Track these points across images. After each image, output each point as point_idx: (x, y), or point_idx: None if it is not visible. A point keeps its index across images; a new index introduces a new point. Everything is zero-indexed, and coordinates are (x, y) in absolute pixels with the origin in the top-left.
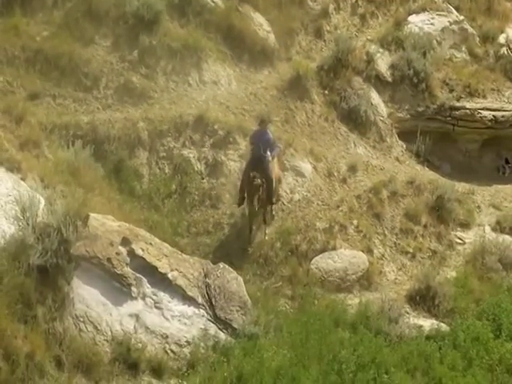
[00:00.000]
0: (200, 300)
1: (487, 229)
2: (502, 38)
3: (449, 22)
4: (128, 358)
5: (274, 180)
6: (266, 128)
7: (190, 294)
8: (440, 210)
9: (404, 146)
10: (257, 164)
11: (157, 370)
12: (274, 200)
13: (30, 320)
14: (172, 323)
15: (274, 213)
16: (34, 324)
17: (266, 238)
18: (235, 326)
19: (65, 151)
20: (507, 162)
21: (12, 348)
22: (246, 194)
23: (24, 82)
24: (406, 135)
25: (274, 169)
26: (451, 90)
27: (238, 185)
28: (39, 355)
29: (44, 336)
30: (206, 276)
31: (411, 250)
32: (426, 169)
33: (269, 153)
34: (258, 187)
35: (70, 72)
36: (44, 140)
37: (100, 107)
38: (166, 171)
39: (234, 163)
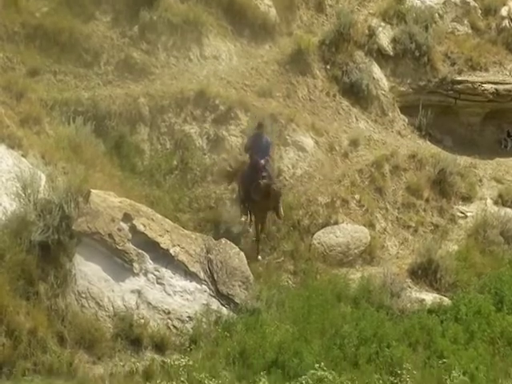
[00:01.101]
0: (202, 275)
1: (489, 202)
2: (503, 11)
3: None
4: (130, 334)
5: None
6: (263, 132)
7: (192, 269)
8: (442, 184)
9: (406, 119)
10: (259, 171)
11: (159, 346)
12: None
13: (32, 296)
14: (174, 299)
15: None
16: (36, 300)
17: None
18: (237, 301)
19: (66, 127)
20: (509, 135)
21: (14, 324)
22: (251, 203)
23: (24, 59)
24: (407, 109)
25: None
26: (453, 64)
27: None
28: (41, 331)
29: (46, 312)
30: (207, 251)
31: (413, 224)
32: (428, 142)
33: (267, 157)
34: (279, 193)
35: (71, 48)
36: (45, 116)
37: (101, 83)
38: (168, 147)
39: (236, 138)
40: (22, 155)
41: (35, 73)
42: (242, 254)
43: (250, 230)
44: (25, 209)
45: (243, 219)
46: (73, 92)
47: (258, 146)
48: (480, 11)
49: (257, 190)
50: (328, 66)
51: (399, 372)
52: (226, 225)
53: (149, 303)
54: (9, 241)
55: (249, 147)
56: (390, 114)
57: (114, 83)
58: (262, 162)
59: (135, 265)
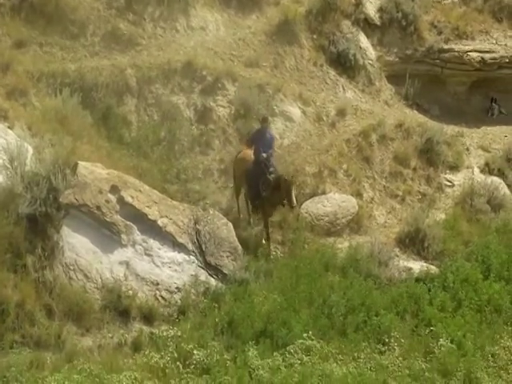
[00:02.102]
0: (190, 246)
1: (476, 171)
2: None
3: None
4: (119, 306)
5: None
6: (267, 127)
7: (180, 240)
8: (429, 153)
9: (393, 89)
10: (265, 167)
11: (148, 317)
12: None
13: (19, 269)
14: (162, 270)
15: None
16: (23, 273)
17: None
18: (226, 271)
19: (52, 99)
20: (494, 102)
21: (2, 297)
22: (261, 200)
23: (10, 30)
24: (394, 78)
25: None
26: (440, 33)
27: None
28: (29, 304)
29: (34, 285)
30: (195, 222)
31: (400, 193)
32: (415, 112)
33: (270, 151)
34: (291, 182)
35: (57, 19)
36: (31, 88)
37: (87, 55)
38: (155, 118)
39: (223, 109)
40: (9, 127)
41: (21, 45)
42: (230, 224)
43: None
44: (12, 181)
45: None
46: (59, 64)
47: (261, 142)
48: None
49: (266, 185)
50: (315, 36)
51: (387, 340)
52: (214, 195)
53: (137, 275)
54: None
55: (252, 143)
56: (377, 84)
57: (100, 55)
58: (264, 155)
59: (123, 236)
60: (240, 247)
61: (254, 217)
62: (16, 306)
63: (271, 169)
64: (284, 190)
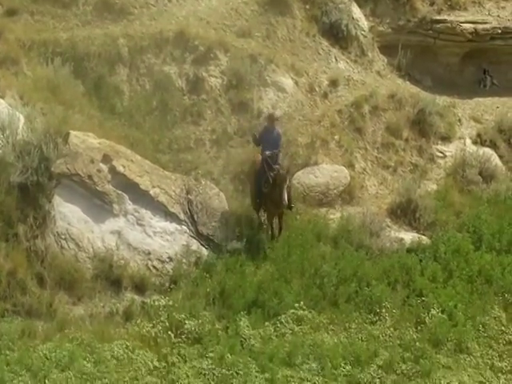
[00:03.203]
0: (182, 216)
1: (468, 142)
2: None
3: None
4: (110, 275)
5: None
6: (274, 125)
7: (171, 210)
8: (421, 124)
9: (385, 60)
10: (269, 164)
11: (139, 287)
12: (292, 204)
13: (11, 238)
14: (154, 240)
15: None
16: (15, 242)
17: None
18: (217, 241)
19: (44, 68)
20: (485, 72)
21: None
22: (263, 197)
23: None
24: (387, 49)
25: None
26: (432, 3)
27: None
28: (21, 273)
29: (25, 254)
30: (187, 192)
31: (392, 164)
32: (407, 83)
33: (276, 150)
34: (285, 177)
35: None
36: (23, 57)
37: (79, 24)
38: (147, 88)
39: (215, 79)
40: (0, 96)
41: (13, 13)
42: (221, 194)
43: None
44: (3, 150)
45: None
46: (51, 33)
47: (267, 140)
48: None
49: (267, 182)
50: (307, 6)
51: (378, 311)
52: (206, 166)
53: (129, 244)
54: None
55: (259, 141)
56: (370, 54)
57: (92, 24)
58: (267, 153)
59: (115, 206)
60: (232, 217)
61: (261, 215)
62: (7, 274)
63: (275, 166)
64: (277, 185)
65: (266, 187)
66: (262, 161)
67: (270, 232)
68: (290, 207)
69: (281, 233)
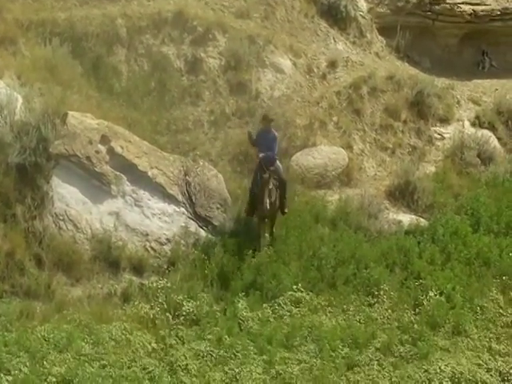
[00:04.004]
0: (180, 198)
1: (466, 124)
2: None
3: None
4: (108, 256)
5: (287, 183)
6: (270, 126)
7: (170, 191)
8: (419, 106)
9: (384, 41)
10: (266, 166)
11: (137, 268)
12: (286, 209)
13: (9, 219)
14: (152, 221)
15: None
16: (13, 223)
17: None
18: (215, 223)
19: (42, 48)
20: (486, 55)
21: None
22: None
23: None
24: (385, 30)
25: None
26: None
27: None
28: (19, 253)
29: (24, 234)
30: (185, 174)
31: (391, 146)
32: (406, 64)
33: (270, 152)
34: (267, 181)
35: None
36: (20, 37)
37: (77, 3)
38: (145, 68)
39: (214, 60)
40: None
41: None
42: (220, 176)
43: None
44: (1, 131)
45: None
46: (49, 12)
47: (262, 142)
48: None
49: (258, 183)
50: None
51: (376, 293)
52: (204, 147)
53: (127, 225)
54: None
55: (255, 143)
56: (368, 36)
57: (90, 4)
58: (261, 155)
59: (113, 187)
60: (230, 199)
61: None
62: (6, 255)
63: (271, 168)
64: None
65: (256, 190)
66: (259, 163)
67: (259, 239)
68: (282, 212)
69: (272, 238)
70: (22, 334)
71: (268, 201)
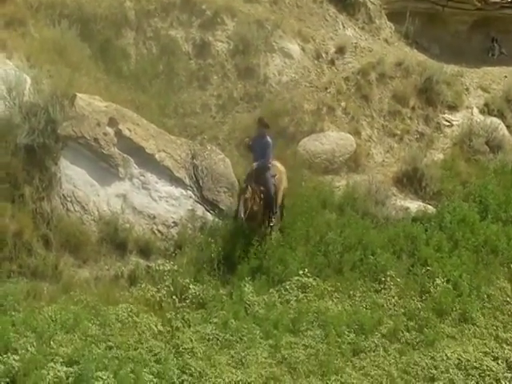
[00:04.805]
0: (187, 181)
1: (475, 111)
2: None
3: None
4: (115, 238)
5: (274, 192)
6: (265, 132)
7: (177, 175)
8: (428, 92)
9: (393, 27)
10: (257, 174)
11: (144, 251)
12: (273, 217)
13: (17, 199)
14: (159, 204)
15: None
16: (21, 203)
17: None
18: (222, 207)
19: (51, 30)
20: (495, 41)
21: None
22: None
23: None
24: (395, 16)
25: (281, 179)
26: None
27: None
28: (27, 234)
29: (31, 215)
30: (193, 157)
31: (399, 132)
32: (415, 50)
33: (263, 160)
34: (243, 191)
35: None
36: (30, 18)
37: None
38: (153, 51)
39: (222, 44)
40: (7, 57)
41: None
42: (227, 160)
43: None
44: (10, 111)
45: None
46: None
47: (255, 148)
48: None
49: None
50: None
51: (383, 279)
52: (212, 130)
53: (134, 208)
54: None
55: (251, 149)
56: (377, 21)
57: None
58: (255, 164)
59: (120, 169)
60: (237, 182)
61: None
62: (13, 235)
63: (267, 175)
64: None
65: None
66: (254, 169)
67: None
68: (268, 225)
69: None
70: (30, 314)
71: (243, 209)
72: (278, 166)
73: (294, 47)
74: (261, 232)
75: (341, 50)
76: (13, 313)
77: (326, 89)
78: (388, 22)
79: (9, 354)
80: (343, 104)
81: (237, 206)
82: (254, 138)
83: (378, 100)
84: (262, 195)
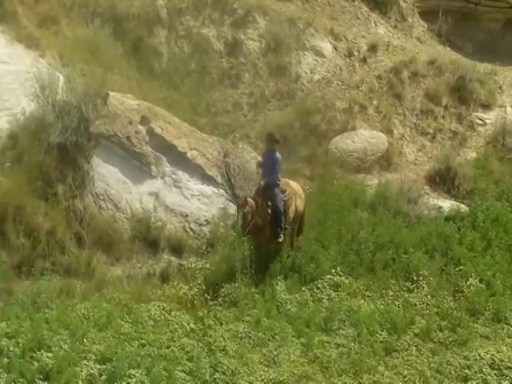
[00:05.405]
0: (219, 179)
1: (509, 110)
2: None
3: None
4: (148, 236)
5: (282, 210)
6: (275, 147)
7: (209, 173)
8: (461, 91)
9: (425, 25)
10: (265, 190)
11: (176, 249)
12: (281, 233)
13: (50, 197)
14: (191, 202)
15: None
16: (54, 202)
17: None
18: None
19: (84, 29)
20: None
21: (33, 225)
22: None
23: None
24: (427, 15)
25: (292, 197)
26: None
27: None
28: (60, 232)
29: (64, 213)
30: (225, 155)
31: (431, 131)
32: (448, 49)
33: (272, 176)
34: (243, 204)
35: None
36: (63, 17)
37: None
38: (185, 50)
39: (254, 42)
40: (40, 55)
41: None
42: (259, 158)
43: None
44: (43, 110)
45: None
46: None
47: (265, 165)
48: None
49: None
50: None
51: (415, 278)
52: (243, 129)
53: (166, 206)
54: (27, 142)
55: (261, 165)
56: (410, 20)
57: None
58: (262, 182)
59: (153, 168)
60: None
61: None
62: (47, 233)
63: (276, 192)
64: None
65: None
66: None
67: None
68: (276, 241)
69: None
70: (63, 311)
71: (241, 223)
72: (292, 186)
73: (325, 45)
74: (267, 247)
75: (373, 48)
76: (46, 310)
77: (358, 87)
78: (421, 21)
79: (42, 352)
80: (375, 102)
81: (236, 219)
82: (263, 154)
83: (410, 98)
84: (269, 210)
